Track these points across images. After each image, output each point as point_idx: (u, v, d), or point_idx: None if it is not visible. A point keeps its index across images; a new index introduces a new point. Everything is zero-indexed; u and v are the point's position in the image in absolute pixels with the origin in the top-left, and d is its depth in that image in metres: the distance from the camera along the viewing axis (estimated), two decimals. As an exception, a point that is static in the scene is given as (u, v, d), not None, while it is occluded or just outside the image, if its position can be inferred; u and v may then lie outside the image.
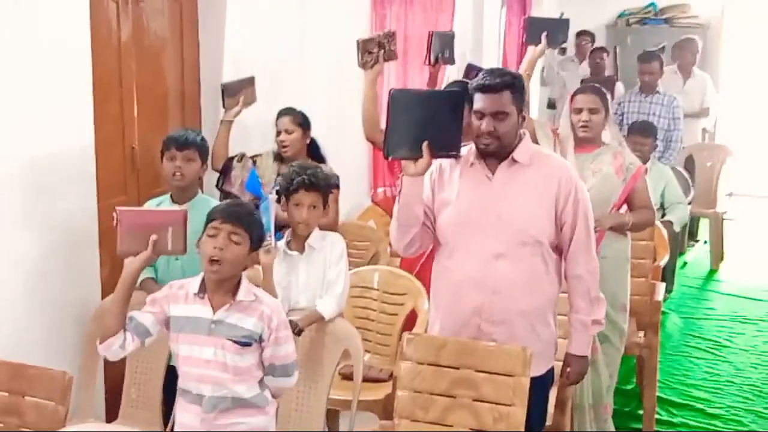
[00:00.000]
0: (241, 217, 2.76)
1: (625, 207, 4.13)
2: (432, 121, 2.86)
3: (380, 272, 4.26)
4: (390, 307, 4.15)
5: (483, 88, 3.02)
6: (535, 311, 3.11)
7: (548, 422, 3.43)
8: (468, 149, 3.10)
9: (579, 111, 4.10)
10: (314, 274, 3.51)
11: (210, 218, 2.77)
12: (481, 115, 3.01)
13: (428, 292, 3.51)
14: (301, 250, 3.51)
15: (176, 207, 3.65)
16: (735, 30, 10.93)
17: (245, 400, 2.78)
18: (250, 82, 4.65)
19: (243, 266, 2.79)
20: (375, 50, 4.30)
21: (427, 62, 5.63)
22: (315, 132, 4.55)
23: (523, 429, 2.95)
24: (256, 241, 2.82)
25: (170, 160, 3.69)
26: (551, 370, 3.21)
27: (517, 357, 2.99)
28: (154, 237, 2.73)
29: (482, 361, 3.03)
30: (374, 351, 4.11)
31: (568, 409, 3.74)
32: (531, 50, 4.83)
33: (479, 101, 3.02)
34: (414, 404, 3.07)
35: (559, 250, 3.14)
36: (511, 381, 2.99)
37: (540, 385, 3.09)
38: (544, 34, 4.74)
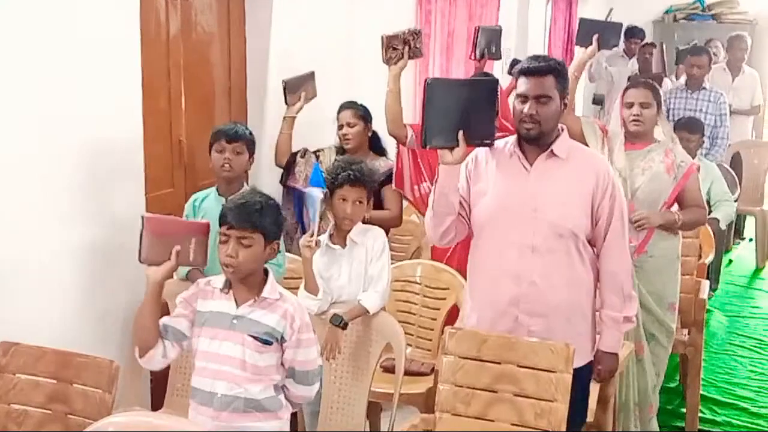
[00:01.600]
0: (247, 219, 2.69)
1: (675, 205, 4.09)
2: (467, 110, 2.87)
3: (423, 266, 4.27)
4: (432, 301, 4.16)
5: (527, 72, 3.04)
6: (572, 304, 3.11)
7: (590, 419, 3.43)
8: (505, 141, 3.11)
9: (630, 105, 4.06)
10: (356, 269, 3.53)
11: (220, 221, 2.73)
12: (525, 98, 3.02)
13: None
14: (343, 244, 3.53)
15: (222, 199, 3.70)
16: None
17: (258, 402, 2.73)
18: (310, 77, 4.67)
19: (262, 261, 2.76)
20: (400, 47, 4.31)
21: (472, 57, 5.62)
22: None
23: (565, 425, 2.95)
24: (272, 233, 2.75)
25: (219, 152, 3.73)
26: (590, 364, 3.20)
27: (559, 353, 2.99)
28: (177, 248, 2.69)
29: (524, 356, 3.03)
30: (416, 345, 4.13)
31: (610, 407, 3.72)
32: (580, 51, 4.80)
33: (523, 85, 3.03)
34: (455, 398, 3.08)
35: (593, 244, 3.14)
36: (553, 377, 2.98)
37: (578, 379, 3.06)
38: (595, 37, 4.71)
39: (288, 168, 4.52)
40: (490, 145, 3.04)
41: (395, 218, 4.43)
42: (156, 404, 3.78)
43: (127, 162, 3.77)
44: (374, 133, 4.53)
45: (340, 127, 4.47)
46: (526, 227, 3.05)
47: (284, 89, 4.51)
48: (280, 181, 4.54)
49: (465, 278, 3.43)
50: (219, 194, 3.74)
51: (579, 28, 4.95)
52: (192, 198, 3.83)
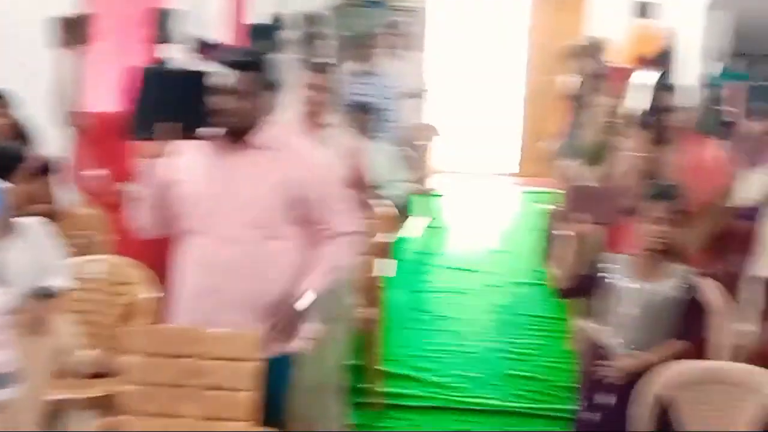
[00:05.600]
0: None
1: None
2: (177, 101, 2.85)
3: (105, 262, 4.11)
4: (116, 298, 4.00)
5: (229, 65, 3.03)
6: (266, 294, 3.12)
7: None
8: (205, 132, 3.08)
9: (310, 87, 4.11)
10: (27, 257, 3.31)
11: None
12: (223, 91, 3.00)
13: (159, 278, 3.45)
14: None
15: None
16: (439, 13, 11.42)
17: None
18: None
19: None
20: (71, 31, 4.13)
21: (151, 41, 5.50)
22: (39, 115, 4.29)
23: (257, 414, 2.97)
24: None
25: None
26: (288, 355, 3.23)
27: (246, 341, 3.00)
28: None
29: (211, 347, 3.02)
30: (101, 345, 3.95)
31: (304, 391, 3.77)
32: None
33: (223, 78, 3.02)
34: (140, 398, 3.00)
35: (304, 229, 3.18)
36: (241, 366, 2.99)
37: (278, 367, 3.11)
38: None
39: None
40: (195, 138, 3.01)
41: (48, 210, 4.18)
42: None
43: None
44: (18, 120, 4.23)
45: None
46: (221, 218, 3.06)
47: None
48: None
49: (154, 272, 3.36)
50: None
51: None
52: None
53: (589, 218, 3.48)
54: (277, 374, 3.09)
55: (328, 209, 3.19)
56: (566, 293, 3.74)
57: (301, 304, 3.14)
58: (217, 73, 3.03)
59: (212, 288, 3.07)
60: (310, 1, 9.92)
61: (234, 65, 3.03)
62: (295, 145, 3.24)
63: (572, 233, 3.50)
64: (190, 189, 3.10)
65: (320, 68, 4.30)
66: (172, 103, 2.85)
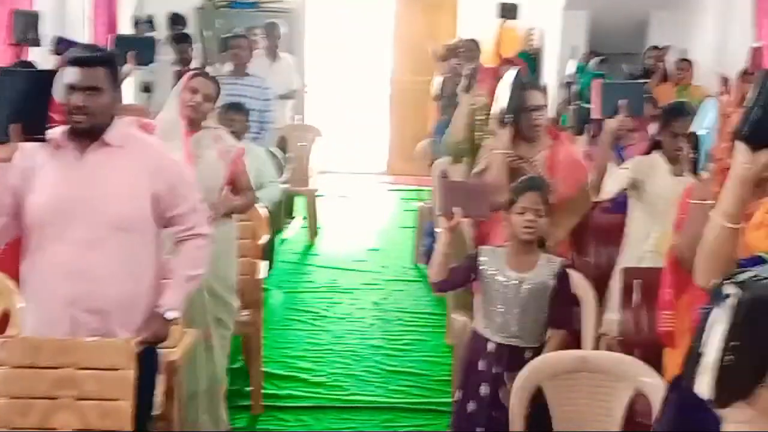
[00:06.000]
0: None
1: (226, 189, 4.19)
2: (20, 102, 2.76)
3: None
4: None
5: (77, 62, 2.97)
6: (134, 297, 3.09)
7: (158, 411, 3.41)
8: (53, 132, 3.00)
9: (193, 91, 4.06)
10: None
11: None
12: (73, 89, 2.94)
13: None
14: None
15: None
16: (317, 15, 11.47)
17: None
18: None
19: None
20: None
21: (8, 42, 5.34)
22: None
23: (130, 422, 2.92)
24: None
25: None
26: (151, 354, 3.19)
27: (121, 350, 2.95)
28: None
29: (84, 357, 2.95)
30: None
31: (177, 397, 3.73)
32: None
33: (72, 75, 2.96)
34: (11, 411, 2.91)
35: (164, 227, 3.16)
36: (115, 375, 2.93)
37: (145, 369, 3.06)
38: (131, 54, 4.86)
39: None
40: (43, 140, 2.91)
41: None
42: None
43: None
44: None
45: None
46: (80, 222, 2.98)
47: None
48: None
49: (16, 281, 3.25)
50: None
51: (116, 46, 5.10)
52: None
53: (461, 213, 3.55)
54: (145, 378, 3.05)
55: (185, 207, 3.17)
56: (441, 287, 3.80)
57: (169, 314, 3.13)
58: (68, 71, 2.97)
59: (77, 295, 3.00)
60: (176, 1, 9.83)
61: (83, 62, 2.97)
62: (149, 143, 3.21)
63: (444, 228, 3.57)
64: (43, 194, 3.00)
65: (199, 71, 4.26)
66: (16, 104, 2.77)
